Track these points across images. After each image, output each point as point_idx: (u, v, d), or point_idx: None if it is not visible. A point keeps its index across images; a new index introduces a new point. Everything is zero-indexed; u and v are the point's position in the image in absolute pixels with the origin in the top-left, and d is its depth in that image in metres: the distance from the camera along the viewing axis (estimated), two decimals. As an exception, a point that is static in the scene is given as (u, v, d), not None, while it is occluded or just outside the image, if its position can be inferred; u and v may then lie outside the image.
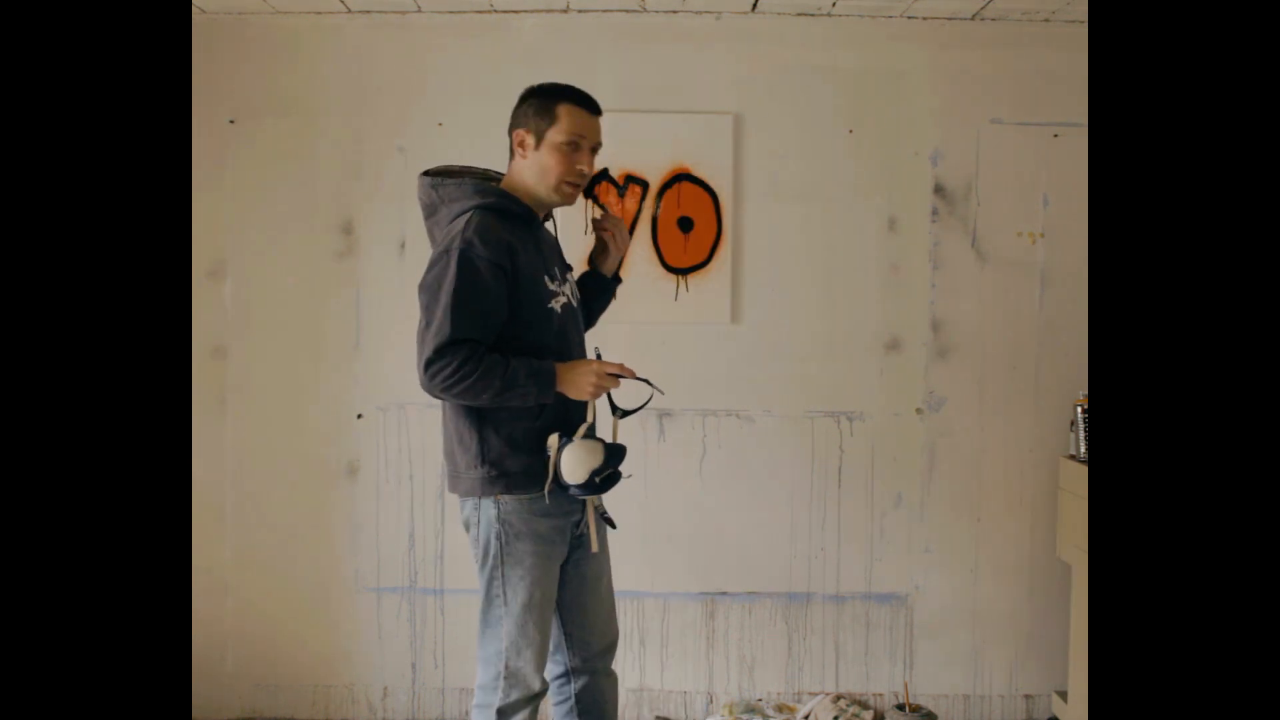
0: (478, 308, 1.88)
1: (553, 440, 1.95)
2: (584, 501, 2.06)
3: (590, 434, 1.97)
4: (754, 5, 2.89)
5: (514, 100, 2.06)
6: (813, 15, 2.95)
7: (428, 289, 1.91)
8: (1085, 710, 2.67)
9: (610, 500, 2.26)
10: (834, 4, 2.86)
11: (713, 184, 2.97)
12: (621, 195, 2.97)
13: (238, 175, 2.98)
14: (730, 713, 2.94)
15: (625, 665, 3.00)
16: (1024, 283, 3.01)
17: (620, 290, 2.35)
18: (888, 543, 3.04)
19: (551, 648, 2.17)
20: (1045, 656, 3.05)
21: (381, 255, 2.99)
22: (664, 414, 3.02)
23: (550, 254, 2.10)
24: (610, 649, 2.20)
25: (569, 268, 2.19)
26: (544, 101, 2.01)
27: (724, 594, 3.05)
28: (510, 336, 1.94)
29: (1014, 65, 2.98)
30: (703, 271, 2.98)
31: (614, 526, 2.14)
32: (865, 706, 2.95)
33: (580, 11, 2.95)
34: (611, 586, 2.22)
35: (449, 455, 2.04)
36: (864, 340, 3.01)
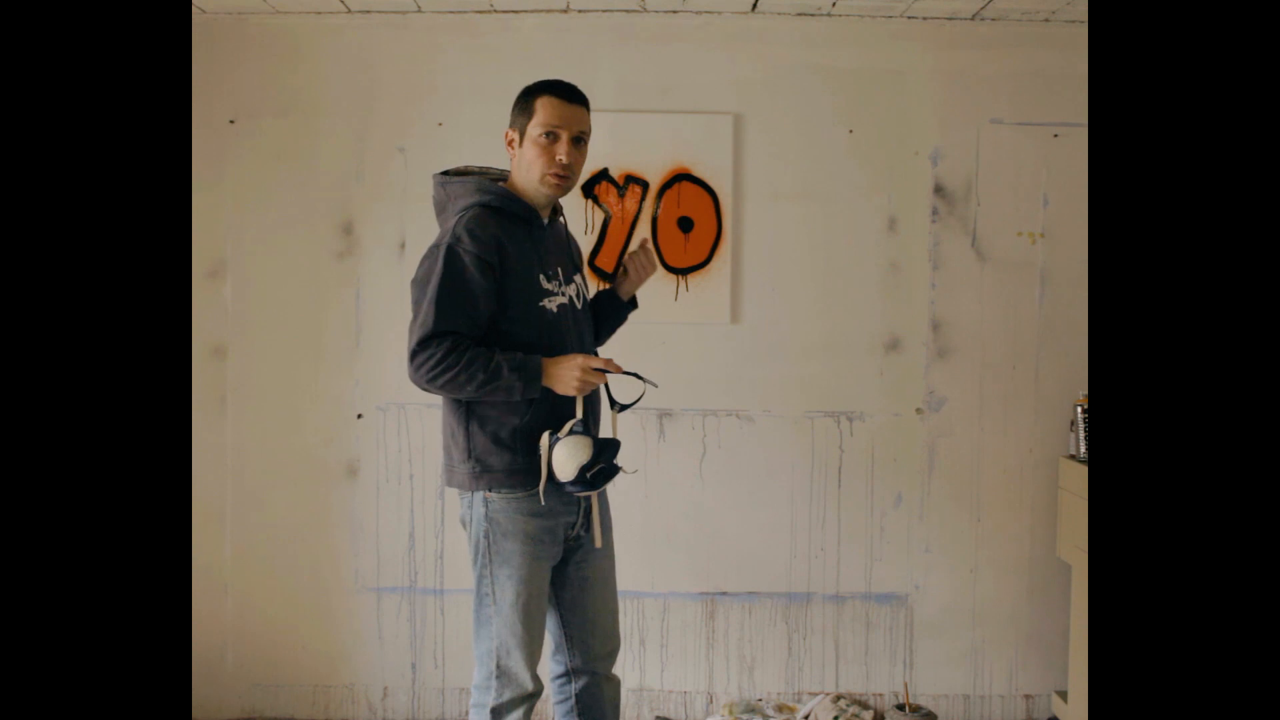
0: (461, 301, 1.91)
1: (544, 439, 1.95)
2: (579, 501, 2.05)
3: (579, 430, 1.95)
4: (754, 5, 2.89)
5: (514, 100, 2.08)
6: (813, 15, 2.95)
7: (418, 283, 1.96)
8: (1085, 710, 2.67)
9: (611, 500, 2.26)
10: (834, 4, 2.86)
11: (713, 184, 2.97)
12: (621, 195, 2.97)
13: (238, 175, 2.98)
14: (730, 713, 2.94)
15: (625, 665, 3.00)
16: (1024, 283, 3.01)
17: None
18: (888, 543, 3.04)
19: (553, 648, 2.17)
20: (1045, 656, 3.05)
21: (381, 255, 2.99)
22: (664, 414, 3.02)
23: (552, 253, 2.09)
24: (612, 654, 2.19)
25: (577, 269, 2.18)
26: (525, 98, 2.04)
27: (724, 594, 3.05)
28: (500, 332, 1.97)
29: (1014, 65, 2.98)
30: (703, 271, 2.98)
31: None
32: (865, 706, 2.95)
33: (580, 11, 2.95)
34: (615, 591, 2.20)
35: (445, 448, 2.07)
36: (864, 340, 3.01)
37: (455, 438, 2.01)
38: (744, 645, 3.06)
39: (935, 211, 3.00)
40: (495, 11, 2.94)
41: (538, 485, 1.96)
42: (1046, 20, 2.95)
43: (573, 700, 2.16)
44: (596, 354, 2.13)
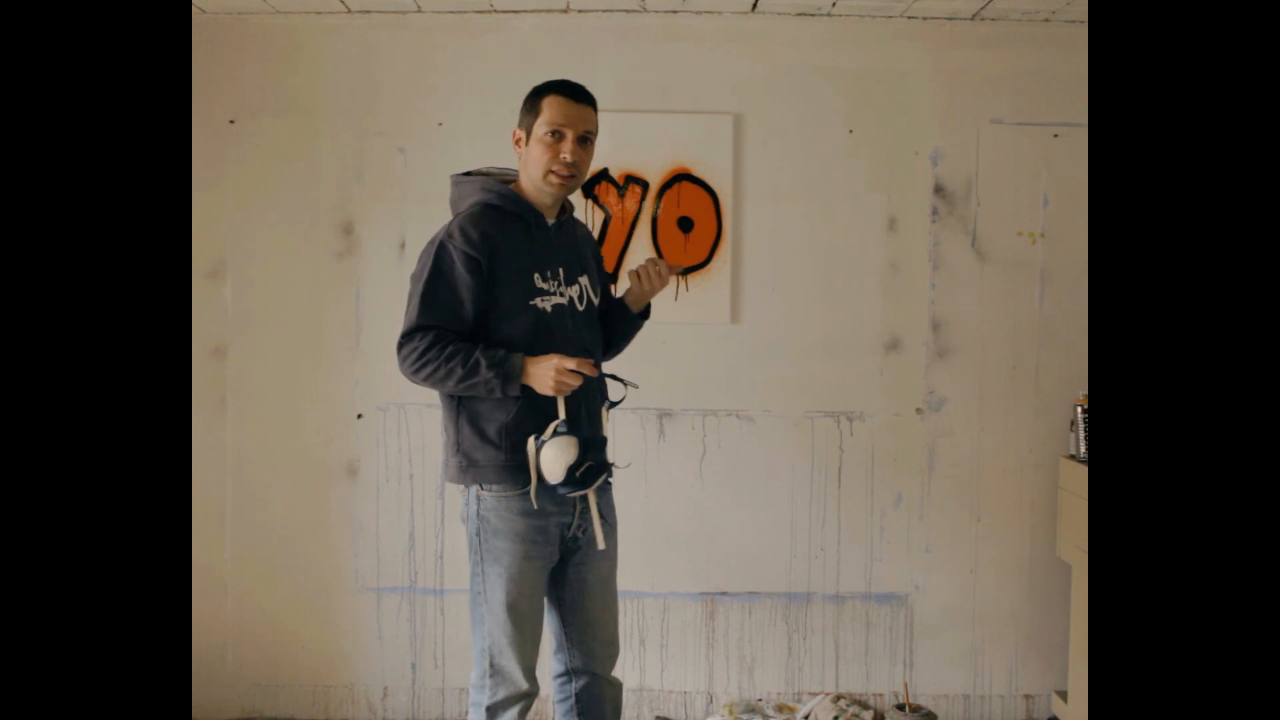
0: (447, 297, 1.96)
1: (530, 444, 1.95)
2: (574, 502, 2.04)
3: (563, 430, 1.95)
4: (754, 5, 2.89)
5: (514, 100, 2.08)
6: (813, 15, 2.95)
7: (413, 277, 2.02)
8: (1085, 710, 2.67)
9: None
10: (834, 4, 2.86)
11: (713, 184, 2.97)
12: (621, 195, 2.97)
13: (238, 175, 2.98)
14: (730, 713, 2.94)
15: (625, 665, 2.99)
16: (1024, 283, 3.01)
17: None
18: (888, 543, 3.04)
19: (554, 646, 2.18)
20: (1045, 656, 3.05)
21: (381, 255, 2.99)
22: (664, 414, 3.02)
23: (556, 254, 2.08)
24: (612, 658, 2.19)
25: (584, 271, 2.15)
26: (533, 98, 2.06)
27: (724, 594, 3.05)
28: (489, 329, 2.00)
29: (1014, 65, 2.98)
30: (703, 271, 2.98)
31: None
32: (865, 706, 2.95)
33: (580, 11, 2.95)
34: (615, 595, 2.20)
35: (443, 441, 2.10)
36: (864, 340, 3.01)
37: (447, 430, 2.05)
38: (744, 645, 3.06)
39: (935, 211, 3.00)
40: (495, 11, 2.94)
41: (527, 485, 1.97)
42: (1046, 20, 2.95)
43: (573, 700, 2.17)
44: (595, 357, 2.12)
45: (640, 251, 2.96)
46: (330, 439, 3.02)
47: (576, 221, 2.24)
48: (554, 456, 1.92)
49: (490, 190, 2.04)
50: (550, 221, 2.09)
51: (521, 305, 2.00)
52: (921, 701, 3.03)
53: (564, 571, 2.10)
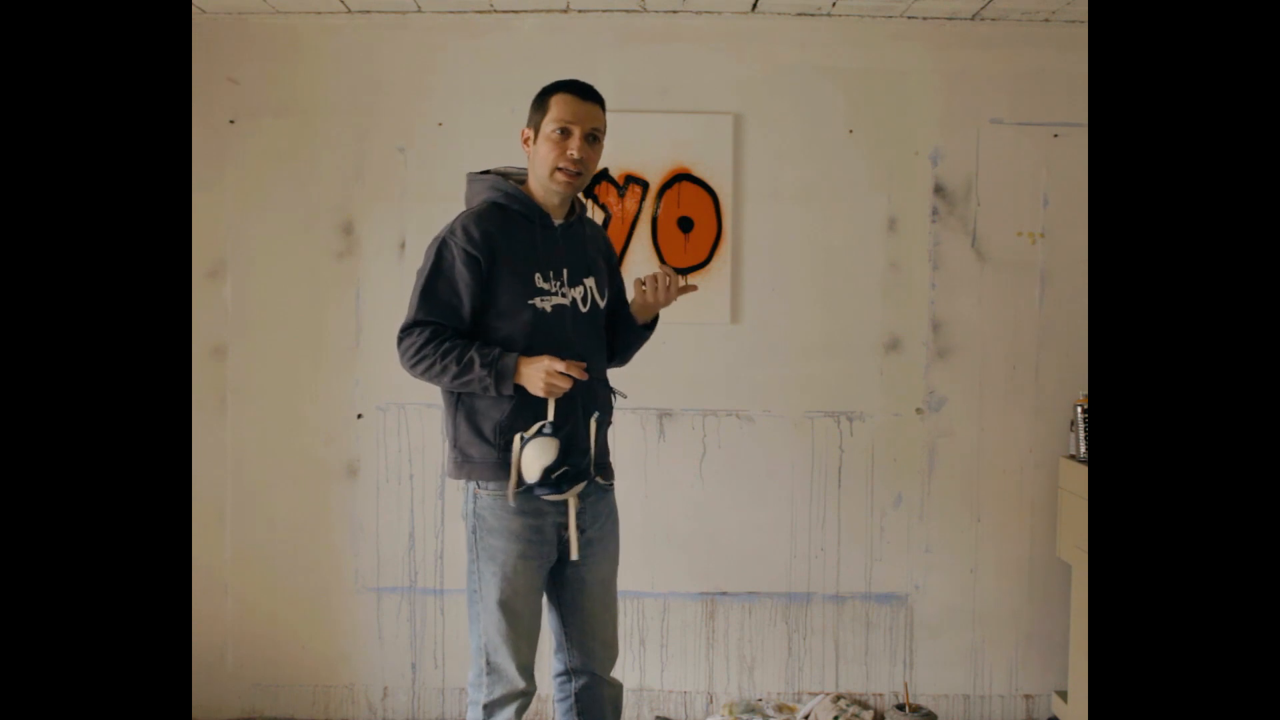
0: (445, 293, 1.98)
1: (515, 441, 1.96)
2: (564, 504, 2.03)
3: (548, 432, 1.95)
4: (754, 5, 2.89)
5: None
6: (813, 15, 2.95)
7: (417, 272, 2.03)
8: (1085, 710, 2.67)
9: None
10: (834, 4, 2.86)
11: (713, 184, 2.97)
12: (621, 195, 2.97)
13: (238, 175, 2.98)
14: (730, 713, 2.94)
15: (625, 665, 2.99)
16: (1024, 283, 3.01)
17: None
18: (888, 543, 3.04)
19: (554, 646, 2.18)
20: (1045, 656, 3.05)
21: (381, 255, 2.99)
22: (664, 414, 3.02)
23: (560, 254, 2.07)
24: (611, 658, 2.19)
25: (591, 273, 2.13)
26: (540, 97, 2.07)
27: (724, 594, 3.05)
28: (487, 326, 2.01)
29: (1014, 65, 2.98)
30: (703, 271, 2.98)
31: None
32: (865, 706, 2.95)
33: (580, 11, 2.95)
34: (615, 597, 2.19)
35: (444, 436, 2.13)
36: (864, 340, 3.01)
37: (447, 426, 2.07)
38: (744, 645, 3.06)
39: (935, 211, 3.00)
40: (495, 11, 2.94)
41: (530, 487, 1.97)
42: (1046, 20, 2.95)
43: (573, 699, 2.17)
44: (595, 360, 2.11)
45: (640, 251, 2.96)
46: (330, 439, 3.02)
47: (588, 222, 2.22)
48: (533, 456, 1.93)
49: (498, 189, 2.05)
50: (557, 222, 2.09)
51: (520, 304, 2.00)
52: (921, 701, 3.03)
53: (563, 571, 2.10)
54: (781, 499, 3.03)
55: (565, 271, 2.07)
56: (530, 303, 2.01)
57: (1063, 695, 2.95)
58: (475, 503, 2.02)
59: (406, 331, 1.99)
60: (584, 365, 1.97)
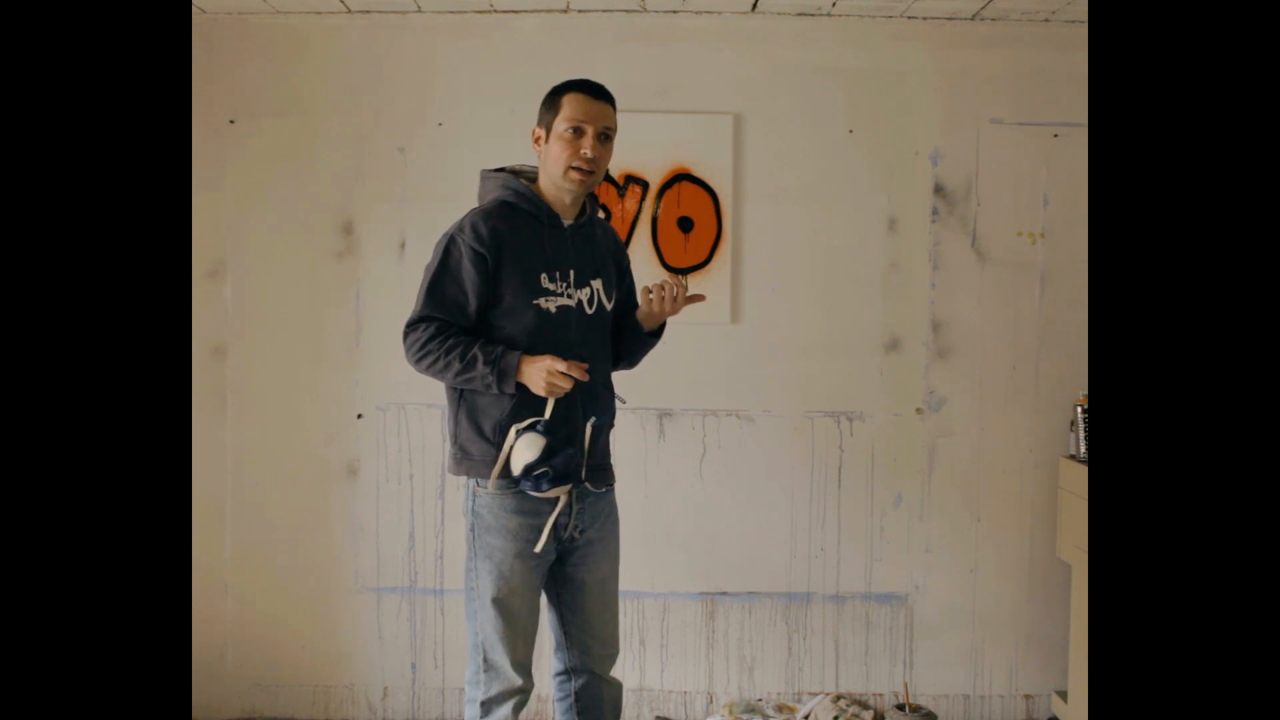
0: (451, 290, 2.00)
1: (512, 431, 1.97)
2: (569, 503, 2.03)
3: (540, 429, 1.95)
4: (754, 5, 2.89)
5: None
6: (813, 15, 2.95)
7: (425, 268, 2.04)
8: (1085, 710, 2.67)
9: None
10: (834, 4, 2.86)
11: (713, 184, 2.97)
12: (621, 195, 2.97)
13: (238, 175, 2.98)
14: (730, 713, 2.94)
15: (625, 665, 2.99)
16: (1024, 283, 3.01)
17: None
18: (888, 543, 3.04)
19: (553, 645, 2.19)
20: (1045, 656, 3.05)
21: (381, 255, 2.99)
22: (664, 414, 3.02)
23: (568, 255, 2.07)
24: (610, 657, 2.19)
25: (599, 274, 2.13)
26: (552, 96, 2.07)
27: (724, 594, 3.05)
28: (491, 325, 2.02)
29: (1014, 65, 2.98)
30: (703, 271, 2.98)
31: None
32: (865, 706, 2.95)
33: (580, 11, 2.95)
34: (615, 597, 2.19)
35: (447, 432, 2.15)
36: (864, 340, 3.01)
37: (447, 420, 2.09)
38: (744, 645, 3.06)
39: (935, 211, 3.00)
40: (495, 11, 2.94)
41: (517, 482, 1.97)
42: (1046, 20, 2.95)
43: (572, 698, 2.17)
44: (599, 362, 2.11)
45: (640, 252, 2.96)
46: (330, 439, 3.02)
47: (599, 224, 2.21)
48: (519, 451, 1.94)
49: (509, 187, 2.06)
50: (567, 222, 2.09)
51: (525, 304, 2.01)
52: (921, 701, 3.03)
53: (562, 571, 2.11)
54: (781, 499, 3.03)
55: (572, 273, 2.07)
56: (535, 303, 2.01)
57: (1063, 695, 2.95)
58: (474, 500, 2.03)
59: (412, 327, 2.01)
60: (585, 366, 1.97)
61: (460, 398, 2.04)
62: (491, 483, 1.98)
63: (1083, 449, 2.79)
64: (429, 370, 1.99)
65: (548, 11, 2.94)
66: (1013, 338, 3.02)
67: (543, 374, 1.93)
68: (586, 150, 2.01)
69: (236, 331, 3.00)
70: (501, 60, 2.95)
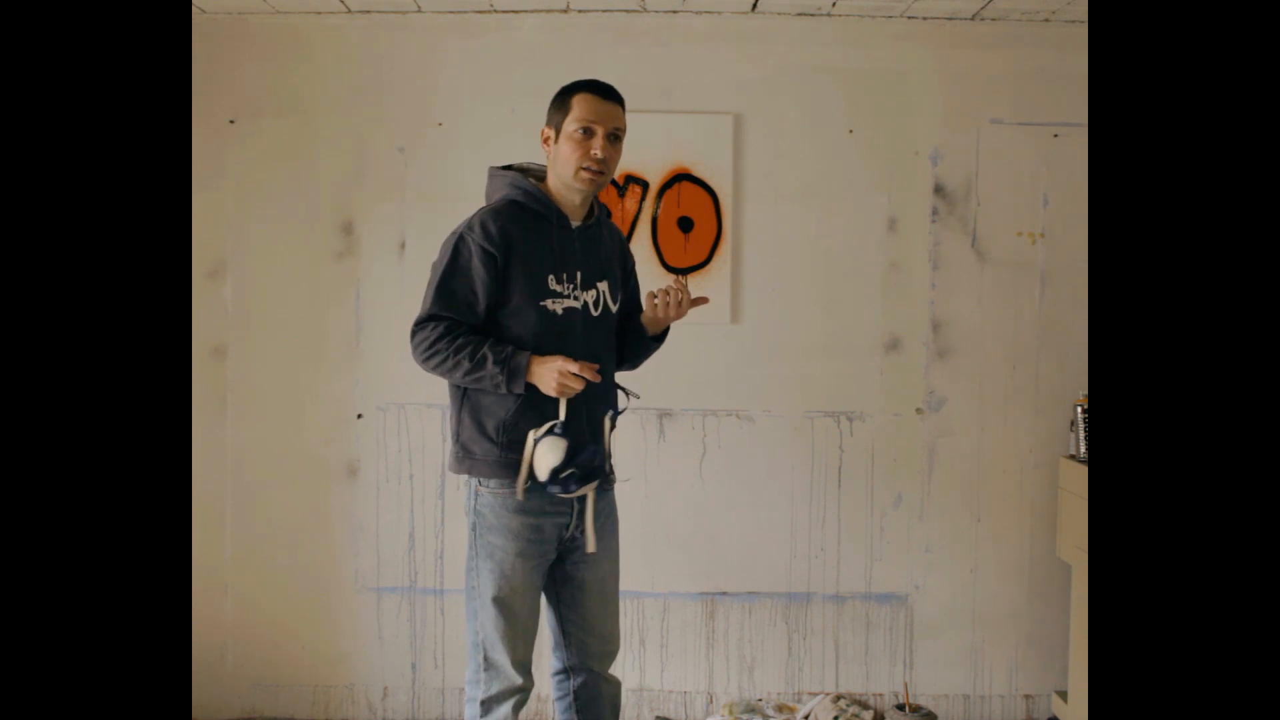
0: (460, 289, 1.99)
1: (530, 437, 1.97)
2: (570, 503, 2.04)
3: (559, 432, 1.95)
4: (754, 5, 2.89)
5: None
6: (813, 15, 2.95)
7: (432, 266, 2.04)
8: (1085, 710, 2.67)
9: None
10: (834, 4, 2.86)
11: (713, 184, 2.97)
12: (621, 195, 2.97)
13: (238, 175, 2.98)
14: (730, 713, 2.94)
15: (625, 665, 3.00)
16: (1024, 283, 3.01)
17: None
18: (888, 543, 3.04)
19: (552, 644, 2.19)
20: (1045, 656, 3.05)
21: (381, 255, 2.99)
22: (664, 414, 3.02)
23: (575, 256, 2.07)
24: (610, 655, 2.19)
25: (606, 276, 2.13)
26: (561, 96, 2.06)
27: (724, 594, 3.05)
28: (498, 325, 2.02)
29: (1014, 65, 2.98)
30: (703, 271, 2.98)
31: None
32: (865, 706, 2.95)
33: (580, 11, 2.95)
34: (615, 596, 2.20)
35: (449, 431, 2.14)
36: (864, 340, 3.01)
37: (452, 420, 2.08)
38: (744, 645, 3.06)
39: (935, 211, 3.00)
40: (495, 11, 2.94)
41: (541, 485, 1.97)
42: (1046, 20, 2.96)
43: (571, 697, 2.18)
44: (604, 364, 2.11)
45: (640, 252, 2.96)
46: (330, 439, 3.02)
47: (607, 225, 2.21)
48: (542, 455, 1.94)
49: (519, 187, 2.05)
50: (575, 224, 2.09)
51: (531, 305, 2.01)
52: (921, 701, 3.03)
53: (562, 570, 2.11)
54: (781, 499, 3.03)
55: (579, 274, 2.07)
56: (541, 304, 2.01)
57: (1063, 695, 2.95)
58: (476, 500, 2.03)
59: (420, 325, 2.00)
60: (596, 366, 1.97)
61: (464, 396, 2.03)
62: (520, 491, 1.97)
63: (1083, 449, 2.79)
64: (437, 369, 1.98)
65: (548, 11, 2.94)
66: (1013, 338, 3.02)
67: (554, 375, 1.93)
68: (597, 151, 2.01)
69: (236, 331, 3.00)
70: (502, 60, 2.95)
